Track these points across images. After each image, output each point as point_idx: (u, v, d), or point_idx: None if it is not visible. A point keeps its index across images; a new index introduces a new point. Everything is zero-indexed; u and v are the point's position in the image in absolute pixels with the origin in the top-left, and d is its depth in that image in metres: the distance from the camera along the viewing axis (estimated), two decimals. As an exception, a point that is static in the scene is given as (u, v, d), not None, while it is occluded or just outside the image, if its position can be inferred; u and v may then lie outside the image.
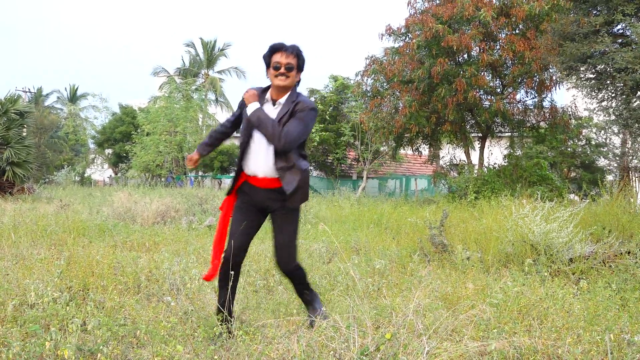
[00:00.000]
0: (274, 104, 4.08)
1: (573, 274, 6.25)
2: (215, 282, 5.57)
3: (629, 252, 6.65)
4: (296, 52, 4.06)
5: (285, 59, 4.00)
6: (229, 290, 4.07)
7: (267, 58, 4.09)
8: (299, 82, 4.17)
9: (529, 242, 6.87)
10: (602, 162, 24.26)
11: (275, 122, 3.92)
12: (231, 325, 3.90)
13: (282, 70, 4.00)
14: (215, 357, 3.26)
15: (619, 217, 8.17)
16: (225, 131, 4.42)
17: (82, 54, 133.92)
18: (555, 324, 3.84)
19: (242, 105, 4.15)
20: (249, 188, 4.15)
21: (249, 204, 4.16)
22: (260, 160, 4.07)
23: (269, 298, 5.20)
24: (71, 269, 5.64)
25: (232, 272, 4.05)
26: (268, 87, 4.17)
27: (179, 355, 3.17)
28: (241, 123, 4.22)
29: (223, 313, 3.94)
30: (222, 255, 4.10)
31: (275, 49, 4.06)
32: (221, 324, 3.80)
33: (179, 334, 3.71)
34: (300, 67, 4.11)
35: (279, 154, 4.00)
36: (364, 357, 3.07)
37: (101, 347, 3.36)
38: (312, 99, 29.96)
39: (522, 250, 6.88)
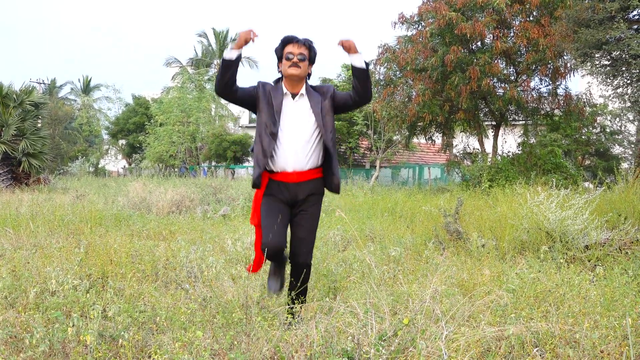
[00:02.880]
0: (293, 97, 4.10)
1: (589, 260, 6.24)
2: (233, 271, 5.65)
3: (645, 239, 6.63)
4: (308, 44, 4.11)
5: (297, 49, 4.06)
6: (283, 273, 4.33)
7: (280, 50, 4.13)
8: (309, 75, 4.22)
9: (544, 229, 6.86)
10: (617, 149, 24.09)
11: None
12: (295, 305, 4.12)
13: (295, 59, 4.03)
14: (235, 342, 3.30)
15: (635, 204, 8.13)
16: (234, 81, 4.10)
17: (95, 45, 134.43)
18: (572, 310, 3.85)
19: (253, 93, 4.12)
20: (278, 185, 4.09)
21: (278, 198, 4.10)
22: (292, 153, 4.04)
23: (286, 285, 5.23)
24: (90, 258, 5.72)
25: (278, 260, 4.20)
26: (278, 80, 4.21)
27: (199, 340, 3.21)
28: (250, 105, 4.18)
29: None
30: (265, 248, 3.99)
31: (287, 40, 4.11)
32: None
33: (198, 320, 3.75)
34: (311, 59, 4.17)
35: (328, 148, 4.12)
36: (382, 342, 3.10)
37: (122, 333, 3.41)
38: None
39: (538, 238, 6.87)
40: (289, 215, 4.15)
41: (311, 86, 4.22)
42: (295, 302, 4.11)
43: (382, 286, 4.71)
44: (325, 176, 4.18)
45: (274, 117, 4.02)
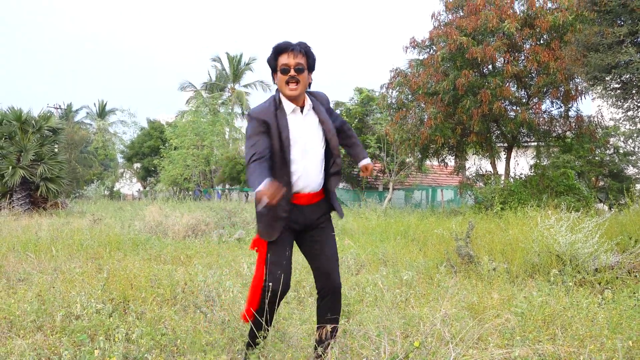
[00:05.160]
0: (301, 111, 3.63)
1: (599, 283, 6.33)
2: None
3: (654, 262, 6.71)
4: (305, 50, 3.58)
5: (293, 60, 3.53)
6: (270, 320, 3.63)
7: (273, 61, 3.60)
8: (310, 84, 3.71)
9: (555, 252, 6.96)
10: (630, 170, 24.07)
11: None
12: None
13: (292, 72, 3.53)
14: (254, 364, 3.46)
15: (646, 227, 8.22)
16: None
17: (111, 70, 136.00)
18: (578, 332, 3.97)
19: (263, 127, 3.51)
20: (290, 211, 3.59)
21: (286, 227, 3.61)
22: (312, 174, 3.63)
23: (300, 309, 5.38)
24: (110, 282, 5.89)
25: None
26: (275, 99, 3.65)
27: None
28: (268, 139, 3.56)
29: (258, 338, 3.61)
30: (270, 288, 3.50)
31: (280, 49, 3.57)
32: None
33: (223, 342, 3.90)
34: (311, 66, 3.65)
35: (332, 159, 3.72)
36: (394, 364, 3.23)
37: (145, 355, 3.57)
38: (338, 111, 30.18)
39: (548, 261, 6.97)
40: (291, 247, 3.68)
41: (308, 93, 3.73)
42: (328, 344, 3.53)
43: (395, 310, 4.84)
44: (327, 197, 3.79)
45: (286, 143, 3.54)
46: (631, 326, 4.17)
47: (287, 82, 3.54)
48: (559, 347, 3.53)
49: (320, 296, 3.68)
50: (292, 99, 3.59)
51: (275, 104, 3.60)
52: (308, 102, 3.66)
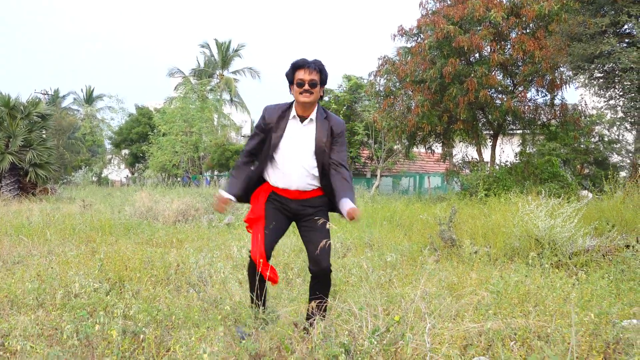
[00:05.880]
0: (301, 121, 4.12)
1: (575, 266, 6.60)
2: (239, 275, 6.02)
3: (627, 246, 6.99)
4: (319, 68, 4.09)
5: (308, 76, 4.03)
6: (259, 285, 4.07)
7: (290, 75, 4.10)
8: (321, 97, 4.20)
9: (534, 236, 7.23)
10: (615, 158, 24.40)
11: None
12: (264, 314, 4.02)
13: (306, 87, 4.02)
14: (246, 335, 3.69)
15: (623, 212, 8.50)
16: (251, 163, 4.31)
17: (98, 55, 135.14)
18: (548, 309, 4.22)
19: (264, 126, 4.15)
20: (279, 198, 4.17)
21: (280, 209, 4.18)
22: (293, 177, 4.10)
23: (288, 289, 5.62)
24: (106, 264, 6.10)
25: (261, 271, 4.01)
26: (290, 104, 4.19)
27: (214, 334, 3.59)
28: (264, 143, 4.19)
29: (257, 305, 4.02)
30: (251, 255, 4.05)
31: (297, 66, 4.07)
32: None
33: (216, 318, 4.13)
34: (323, 81, 4.14)
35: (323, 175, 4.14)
36: (376, 337, 3.47)
37: (143, 329, 3.79)
38: (326, 98, 30.36)
39: (528, 245, 7.23)
40: (283, 226, 4.22)
41: (325, 111, 4.21)
42: (316, 316, 3.89)
43: (378, 289, 5.08)
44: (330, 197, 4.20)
45: (276, 142, 4.11)
46: (600, 304, 4.43)
47: (301, 93, 4.05)
48: (529, 321, 3.79)
49: (311, 276, 4.14)
50: (302, 106, 4.10)
51: (287, 108, 4.16)
52: (314, 116, 4.15)
